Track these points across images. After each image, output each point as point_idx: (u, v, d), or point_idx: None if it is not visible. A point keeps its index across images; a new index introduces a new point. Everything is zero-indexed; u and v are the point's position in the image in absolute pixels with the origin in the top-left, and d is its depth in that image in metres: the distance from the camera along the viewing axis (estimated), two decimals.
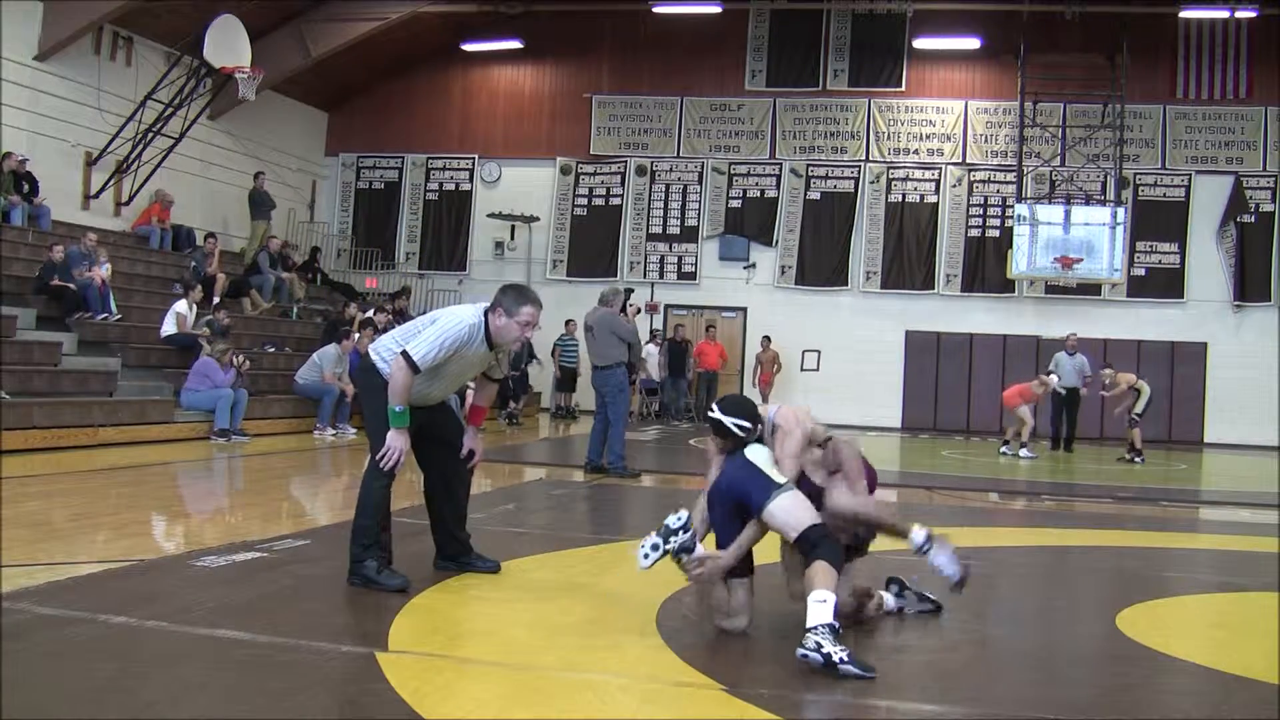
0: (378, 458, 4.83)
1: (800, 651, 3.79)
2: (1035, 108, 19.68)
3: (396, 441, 4.81)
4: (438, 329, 4.77)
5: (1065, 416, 16.18)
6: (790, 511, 4.15)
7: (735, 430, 4.37)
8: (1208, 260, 20.01)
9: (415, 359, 4.71)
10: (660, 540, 4.26)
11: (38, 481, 8.23)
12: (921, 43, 20.70)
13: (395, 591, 4.66)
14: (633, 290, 15.16)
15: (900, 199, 20.89)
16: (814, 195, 21.15)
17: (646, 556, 4.28)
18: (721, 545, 4.35)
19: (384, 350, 4.94)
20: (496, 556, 5.81)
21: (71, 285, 13.26)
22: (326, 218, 22.72)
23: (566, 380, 19.54)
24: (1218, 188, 19.94)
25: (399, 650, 3.85)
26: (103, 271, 13.85)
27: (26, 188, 14.94)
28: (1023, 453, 14.70)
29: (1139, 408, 14.96)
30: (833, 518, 4.37)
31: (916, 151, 20.92)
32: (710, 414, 4.47)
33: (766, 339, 20.61)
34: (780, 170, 21.24)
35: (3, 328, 11.61)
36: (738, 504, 4.29)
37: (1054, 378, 15.54)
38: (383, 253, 22.08)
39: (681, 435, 16.59)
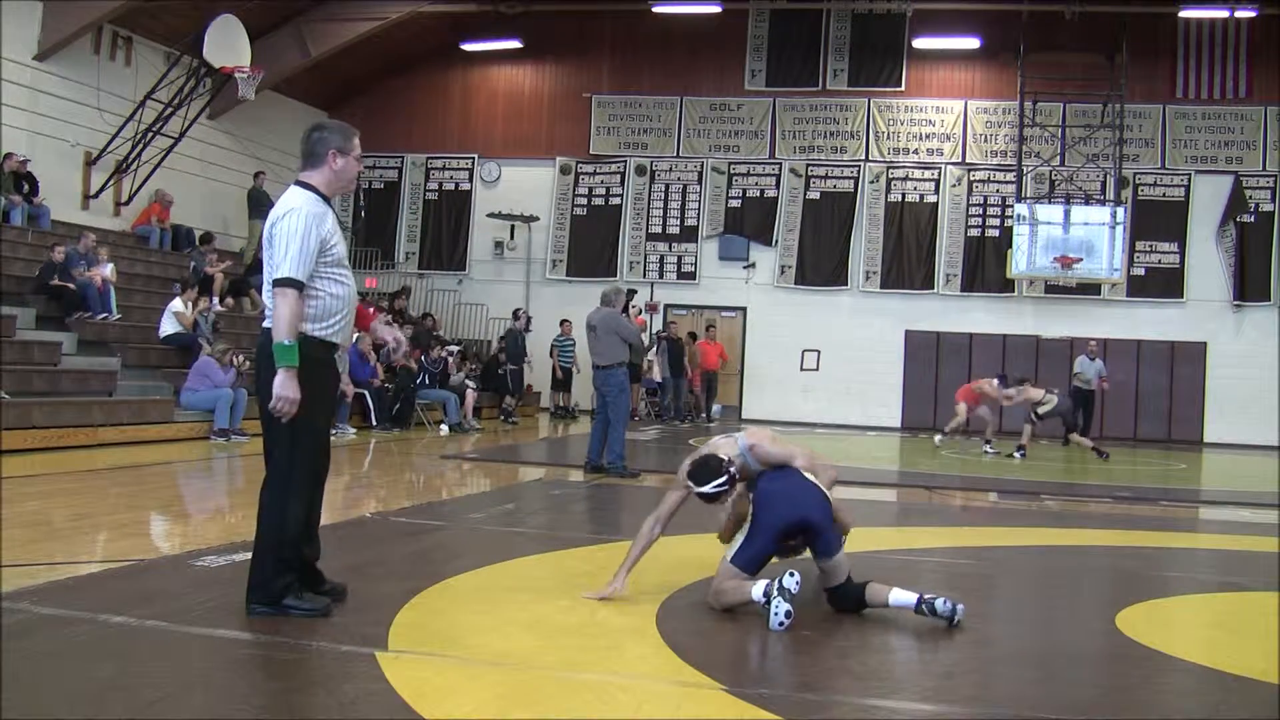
0: (270, 407, 4.12)
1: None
2: (1035, 107, 19.68)
3: (288, 389, 4.08)
4: (281, 235, 4.17)
5: (1082, 414, 16.50)
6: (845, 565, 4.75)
7: (716, 490, 4.76)
8: (1207, 260, 20.01)
9: (291, 274, 4.13)
10: (790, 606, 4.38)
11: (38, 481, 8.23)
12: (921, 42, 20.70)
13: (320, 616, 4.22)
14: (635, 291, 15.18)
15: (900, 199, 20.89)
16: (813, 195, 21.15)
17: (782, 624, 4.37)
18: (751, 555, 4.67)
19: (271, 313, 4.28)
20: (495, 557, 5.82)
21: (71, 285, 13.26)
22: None
23: (564, 380, 19.56)
24: (1217, 187, 19.94)
25: (399, 650, 3.85)
26: (105, 271, 13.87)
27: (26, 188, 14.95)
28: (937, 439, 15.18)
29: (1042, 410, 14.83)
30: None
31: (916, 151, 20.93)
32: (692, 490, 4.82)
33: (691, 335, 20.44)
34: (780, 170, 21.24)
35: (3, 328, 11.61)
36: (800, 529, 4.66)
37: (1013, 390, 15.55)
38: (382, 252, 22.08)
39: (682, 435, 16.58)
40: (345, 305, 4.36)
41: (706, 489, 4.76)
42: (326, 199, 4.36)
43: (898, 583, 4.89)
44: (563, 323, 19.47)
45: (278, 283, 4.14)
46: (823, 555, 4.68)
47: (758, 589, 4.45)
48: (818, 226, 21.09)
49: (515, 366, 18.54)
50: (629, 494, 9.29)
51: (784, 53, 21.28)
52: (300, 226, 4.17)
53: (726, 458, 4.83)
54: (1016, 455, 14.46)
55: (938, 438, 15.17)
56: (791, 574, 4.42)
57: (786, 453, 4.91)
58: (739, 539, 4.78)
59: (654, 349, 19.69)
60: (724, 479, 4.75)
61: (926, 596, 4.53)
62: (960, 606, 4.51)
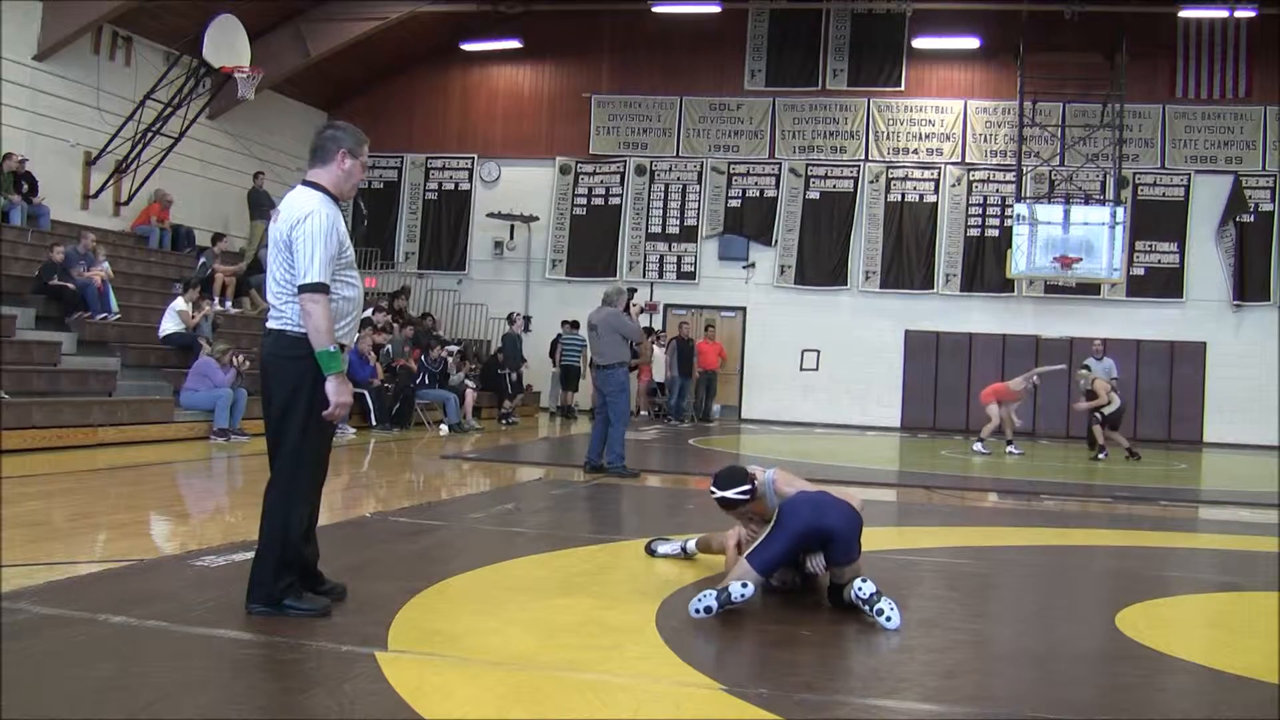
0: (327, 414, 4.17)
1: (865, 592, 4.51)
2: (1034, 107, 19.69)
3: (342, 394, 4.16)
4: (306, 238, 4.11)
5: (1102, 418, 16.39)
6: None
7: (737, 497, 4.93)
8: (1207, 260, 20.01)
9: (320, 279, 4.10)
10: (716, 605, 4.42)
11: (38, 481, 8.22)
12: (921, 42, 20.70)
13: (320, 616, 4.22)
14: (635, 290, 15.17)
15: (900, 198, 20.89)
16: (813, 195, 21.15)
17: (697, 611, 4.46)
18: (768, 557, 4.68)
19: (284, 312, 4.21)
20: (495, 557, 5.82)
21: (70, 285, 13.24)
22: None
23: (570, 379, 19.55)
24: (1217, 187, 19.94)
25: (399, 650, 3.85)
26: (103, 269, 13.85)
27: (26, 187, 14.94)
28: (976, 447, 15.04)
29: (1108, 410, 14.89)
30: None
31: (916, 151, 20.93)
32: (713, 495, 5.02)
33: (649, 330, 20.34)
34: (779, 170, 21.24)
35: (3, 327, 11.61)
36: (820, 536, 4.69)
37: (1036, 376, 15.60)
38: (382, 252, 22.09)
39: (682, 435, 16.58)
40: (354, 307, 4.40)
41: (729, 494, 4.94)
42: (336, 200, 4.36)
43: (898, 583, 4.90)
44: (570, 322, 19.39)
45: (309, 289, 4.10)
46: (838, 562, 4.71)
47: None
48: (817, 226, 21.09)
49: (513, 370, 18.53)
50: (629, 494, 9.29)
51: (784, 53, 21.29)
52: (322, 228, 4.16)
53: (753, 473, 4.98)
54: (1102, 456, 14.64)
55: (976, 445, 15.05)
56: (745, 584, 4.43)
57: (802, 486, 5.06)
58: (758, 539, 4.79)
59: (653, 344, 19.74)
60: (747, 487, 4.91)
61: (856, 583, 4.56)
62: (888, 600, 4.49)
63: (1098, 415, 14.90)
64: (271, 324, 4.28)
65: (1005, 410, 15.25)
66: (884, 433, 19.59)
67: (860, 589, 4.52)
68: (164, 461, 10.14)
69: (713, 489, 5.01)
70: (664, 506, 9.12)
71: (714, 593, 4.46)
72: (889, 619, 4.44)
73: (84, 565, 5.18)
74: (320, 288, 4.12)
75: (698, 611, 4.43)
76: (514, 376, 18.50)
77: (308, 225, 4.14)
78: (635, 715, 3.37)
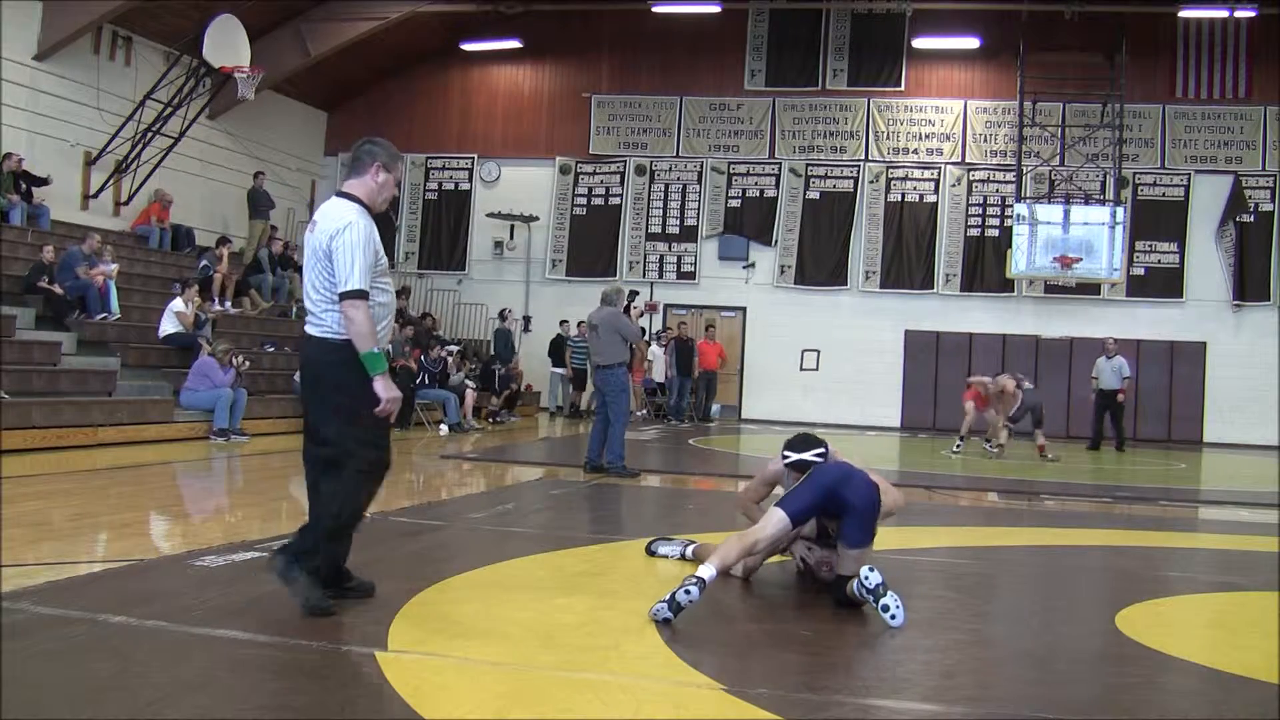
0: (379, 411, 4.32)
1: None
2: (1034, 107, 19.69)
3: (391, 390, 4.33)
4: (345, 248, 4.26)
5: (1111, 418, 16.59)
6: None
7: (814, 459, 5.09)
8: (1207, 260, 20.02)
9: (361, 286, 4.25)
10: (671, 612, 4.35)
11: (38, 481, 8.22)
12: (921, 42, 20.71)
13: (323, 614, 4.23)
14: (637, 293, 15.19)
15: (900, 198, 20.89)
16: (813, 195, 21.15)
17: (655, 616, 4.39)
18: (798, 506, 4.83)
19: (324, 320, 4.37)
20: (495, 557, 5.82)
21: (57, 289, 13.12)
22: None
23: (578, 380, 19.55)
24: (1217, 187, 19.95)
25: (399, 650, 3.85)
26: (109, 269, 13.83)
27: (25, 187, 14.94)
28: (956, 444, 14.99)
29: (1011, 411, 14.63)
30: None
31: (916, 151, 20.93)
32: (788, 458, 5.16)
33: (657, 333, 20.41)
34: (779, 170, 21.24)
35: (3, 328, 11.60)
36: (839, 503, 4.84)
37: (1026, 384, 15.25)
38: None
39: (682, 435, 16.58)
40: (389, 312, 4.58)
41: (807, 455, 5.09)
42: (369, 210, 4.48)
43: (898, 583, 4.88)
44: (578, 324, 19.41)
45: (349, 295, 4.26)
46: (844, 542, 4.82)
47: (707, 568, 4.46)
48: (817, 226, 21.09)
49: (502, 367, 18.53)
50: (629, 493, 9.30)
51: (784, 53, 21.29)
52: (361, 238, 4.32)
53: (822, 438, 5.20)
54: (988, 448, 14.59)
55: (957, 442, 15.03)
56: (688, 591, 4.33)
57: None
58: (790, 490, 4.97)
59: (652, 342, 19.76)
60: (822, 448, 5.11)
61: (862, 572, 4.51)
62: (894, 597, 4.44)
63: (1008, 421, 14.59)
64: (312, 331, 4.44)
65: (991, 413, 15.03)
66: (884, 433, 19.59)
67: (867, 578, 4.46)
68: (164, 461, 10.15)
69: (786, 453, 5.15)
70: (664, 506, 9.13)
71: (663, 605, 4.35)
72: (894, 616, 4.42)
73: (84, 565, 5.18)
74: (361, 294, 4.28)
75: (654, 614, 4.35)
76: (503, 371, 18.47)
77: (347, 235, 4.30)
78: (635, 715, 3.37)
